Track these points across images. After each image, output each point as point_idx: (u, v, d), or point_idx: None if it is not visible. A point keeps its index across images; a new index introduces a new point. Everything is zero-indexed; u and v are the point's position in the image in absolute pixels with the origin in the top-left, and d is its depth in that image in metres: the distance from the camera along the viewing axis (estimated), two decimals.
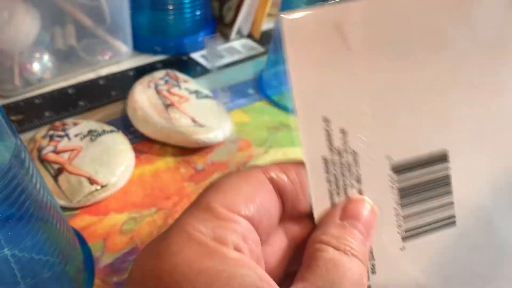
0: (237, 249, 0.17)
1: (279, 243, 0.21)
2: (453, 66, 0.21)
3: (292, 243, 0.21)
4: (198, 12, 0.58)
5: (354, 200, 0.20)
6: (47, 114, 0.46)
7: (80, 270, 0.30)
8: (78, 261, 0.30)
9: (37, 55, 0.48)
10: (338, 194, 0.21)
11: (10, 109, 0.46)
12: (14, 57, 0.48)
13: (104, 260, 0.32)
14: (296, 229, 0.21)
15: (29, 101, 0.47)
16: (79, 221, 0.35)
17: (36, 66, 0.48)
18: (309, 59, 0.20)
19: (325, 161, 0.20)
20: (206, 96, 0.45)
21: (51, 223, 0.27)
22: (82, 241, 0.33)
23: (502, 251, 0.23)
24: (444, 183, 0.22)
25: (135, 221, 0.35)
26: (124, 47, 0.55)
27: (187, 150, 0.42)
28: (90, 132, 0.39)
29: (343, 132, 0.20)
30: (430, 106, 0.21)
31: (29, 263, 0.25)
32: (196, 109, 0.42)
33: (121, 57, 0.55)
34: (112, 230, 0.34)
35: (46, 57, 0.49)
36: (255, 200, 0.19)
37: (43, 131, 0.40)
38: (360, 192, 0.21)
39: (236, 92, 0.51)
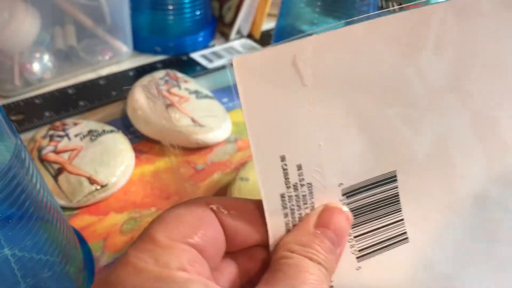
0: (183, 270, 0.18)
1: (230, 270, 0.21)
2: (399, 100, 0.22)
3: (244, 274, 0.22)
4: (198, 12, 0.58)
5: (329, 208, 0.21)
6: (47, 114, 0.46)
7: (80, 270, 0.30)
8: (78, 261, 0.30)
9: (37, 55, 0.49)
10: (293, 224, 0.21)
11: (10, 109, 0.46)
12: (14, 57, 0.48)
13: (104, 260, 0.32)
14: (247, 262, 0.22)
15: (29, 101, 0.48)
16: (79, 221, 0.35)
17: (36, 66, 0.48)
18: (263, 99, 0.20)
19: (282, 197, 0.21)
20: (206, 96, 0.45)
21: (51, 223, 0.27)
22: (82, 241, 0.33)
23: (458, 264, 0.24)
24: (392, 201, 0.22)
25: (135, 221, 0.35)
26: (124, 47, 0.55)
27: (187, 150, 0.42)
28: (90, 132, 0.39)
29: (299, 167, 0.21)
30: (379, 132, 0.21)
31: (29, 263, 0.25)
32: (196, 109, 0.42)
33: (121, 57, 0.55)
34: (112, 230, 0.35)
35: (46, 57, 0.49)
36: (199, 229, 0.19)
37: (43, 131, 0.40)
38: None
39: (236, 92, 0.51)
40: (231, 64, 0.19)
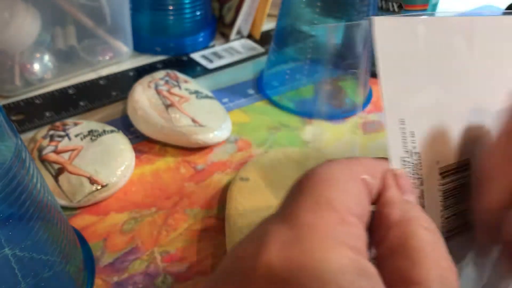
0: (355, 250, 0.17)
1: None
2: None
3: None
4: (198, 13, 0.58)
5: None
6: (47, 114, 0.46)
7: (80, 270, 0.30)
8: (78, 261, 0.30)
9: (38, 55, 0.49)
10: None
11: (10, 109, 0.46)
12: (15, 57, 0.48)
13: (104, 259, 0.32)
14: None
15: (30, 101, 0.48)
16: (80, 221, 0.35)
17: (36, 66, 0.48)
18: (394, 57, 0.22)
19: (403, 161, 0.22)
20: (206, 96, 0.45)
21: (51, 223, 0.27)
22: (83, 241, 0.33)
23: None
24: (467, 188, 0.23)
25: (136, 221, 0.35)
26: (125, 47, 0.55)
27: (187, 150, 0.42)
28: (90, 132, 0.39)
29: (412, 134, 0.22)
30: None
31: (29, 263, 0.25)
32: (196, 109, 0.42)
33: (121, 58, 0.55)
34: (112, 230, 0.35)
35: (46, 57, 0.49)
36: (362, 203, 0.19)
37: (43, 131, 0.40)
38: (421, 193, 0.22)
39: (236, 92, 0.51)
40: (369, 23, 0.21)
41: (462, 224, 0.23)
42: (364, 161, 0.20)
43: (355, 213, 0.18)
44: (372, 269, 0.17)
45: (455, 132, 0.23)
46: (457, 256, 0.22)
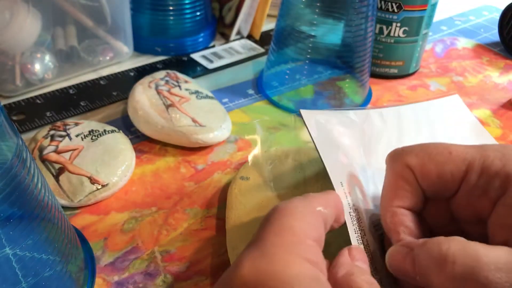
0: (310, 262, 0.22)
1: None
2: None
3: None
4: (198, 13, 0.58)
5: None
6: (48, 114, 0.46)
7: (81, 269, 0.30)
8: (79, 260, 0.30)
9: (38, 55, 0.49)
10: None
11: (11, 109, 0.46)
12: (16, 58, 0.48)
13: (105, 259, 0.33)
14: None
15: (31, 101, 0.48)
16: (80, 220, 0.35)
17: (37, 67, 0.49)
18: (326, 142, 0.33)
19: (350, 215, 0.28)
20: (207, 96, 0.45)
21: (52, 223, 0.27)
22: (83, 240, 0.33)
23: None
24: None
25: (136, 220, 0.36)
26: (125, 47, 0.55)
27: (187, 150, 0.42)
28: (91, 132, 0.40)
29: (349, 194, 0.29)
30: None
31: (30, 262, 0.25)
32: (196, 109, 0.42)
33: (122, 58, 0.55)
34: (113, 229, 0.35)
35: (47, 58, 0.49)
36: (318, 230, 0.24)
37: (44, 131, 0.40)
38: (367, 242, 0.28)
39: (236, 92, 0.51)
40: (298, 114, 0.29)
41: None
42: (318, 196, 0.25)
43: (312, 237, 0.22)
44: (324, 278, 0.21)
45: (374, 188, 0.31)
46: None
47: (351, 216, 0.28)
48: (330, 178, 0.29)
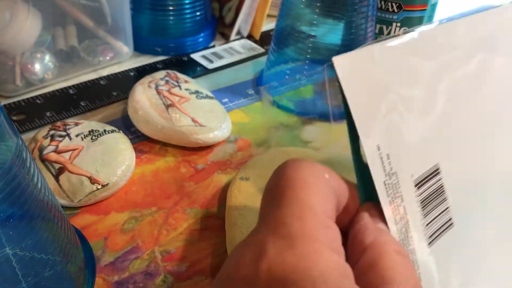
0: (337, 253, 0.19)
1: None
2: None
3: None
4: (198, 13, 0.58)
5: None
6: (48, 114, 0.46)
7: (81, 269, 0.30)
8: (79, 260, 0.30)
9: (39, 55, 0.49)
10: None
11: (11, 109, 0.46)
12: (16, 58, 0.48)
13: (105, 259, 0.33)
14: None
15: (31, 101, 0.48)
16: (80, 220, 0.35)
17: (37, 67, 0.49)
18: (361, 90, 0.22)
19: (385, 184, 0.23)
20: (207, 96, 0.45)
21: (52, 222, 0.27)
22: (83, 240, 0.33)
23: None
24: (440, 192, 0.25)
25: (136, 220, 0.36)
26: (125, 47, 0.55)
27: (187, 150, 0.42)
28: (91, 132, 0.40)
29: (387, 157, 0.23)
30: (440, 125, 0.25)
31: (30, 262, 0.25)
32: (196, 110, 0.42)
33: (122, 58, 0.55)
34: (113, 229, 0.35)
35: (47, 58, 0.49)
36: (332, 202, 0.20)
37: (44, 131, 0.40)
38: (404, 209, 0.23)
39: (236, 92, 0.51)
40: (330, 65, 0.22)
41: (444, 223, 0.25)
42: (321, 167, 0.21)
43: (330, 215, 0.20)
44: (350, 270, 0.19)
45: (420, 142, 0.24)
46: None
47: (387, 186, 0.23)
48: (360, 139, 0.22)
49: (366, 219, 0.22)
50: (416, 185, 0.24)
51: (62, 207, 0.34)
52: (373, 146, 0.22)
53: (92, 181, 0.36)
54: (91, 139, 0.39)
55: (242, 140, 0.44)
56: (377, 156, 0.23)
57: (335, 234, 0.20)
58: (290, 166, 0.20)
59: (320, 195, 0.20)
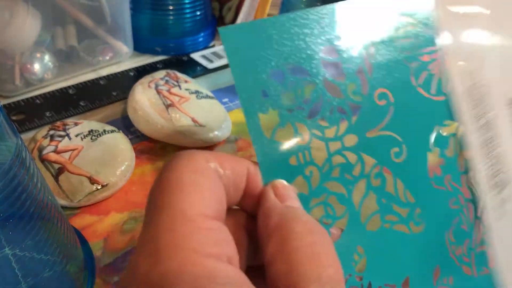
0: (229, 262, 0.17)
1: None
2: None
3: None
4: (198, 13, 0.58)
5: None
6: (48, 114, 0.46)
7: (80, 270, 0.30)
8: (78, 261, 0.30)
9: (38, 55, 0.49)
10: None
11: (11, 109, 0.46)
12: (15, 57, 0.48)
13: (104, 259, 0.32)
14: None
15: (30, 101, 0.48)
16: (80, 221, 0.35)
17: (37, 66, 0.48)
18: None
19: (469, 93, 0.25)
20: (207, 96, 0.45)
21: (52, 223, 0.27)
22: (83, 241, 0.33)
23: None
24: None
25: (136, 220, 0.35)
26: (125, 47, 0.55)
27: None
28: (90, 132, 0.39)
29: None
30: None
31: (30, 263, 0.25)
32: (196, 109, 0.42)
33: (121, 58, 0.55)
34: (112, 230, 0.35)
35: (47, 57, 0.49)
36: (217, 197, 0.18)
37: (44, 131, 0.40)
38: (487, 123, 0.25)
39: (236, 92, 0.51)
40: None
41: None
42: (204, 154, 0.19)
43: (211, 215, 0.17)
44: (232, 272, 0.17)
45: None
46: None
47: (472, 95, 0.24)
48: None
49: (271, 200, 0.20)
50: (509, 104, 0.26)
51: (62, 207, 0.34)
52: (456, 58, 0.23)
53: (92, 181, 0.36)
54: (91, 139, 0.39)
55: (242, 140, 0.44)
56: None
57: (216, 236, 0.17)
58: (168, 166, 0.19)
59: (198, 193, 0.18)
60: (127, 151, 0.39)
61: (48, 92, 0.49)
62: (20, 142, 0.24)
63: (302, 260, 0.17)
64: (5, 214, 0.23)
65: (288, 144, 0.21)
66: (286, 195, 0.20)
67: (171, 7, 0.56)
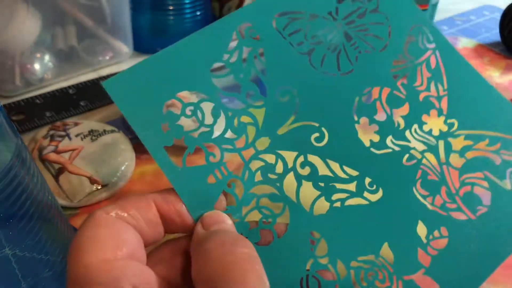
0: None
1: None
2: None
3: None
4: (198, 13, 0.58)
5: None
6: (48, 114, 0.46)
7: None
8: None
9: (38, 55, 0.49)
10: None
11: (11, 109, 0.46)
12: (15, 57, 0.48)
13: None
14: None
15: (30, 101, 0.48)
16: (80, 221, 0.35)
17: (37, 66, 0.48)
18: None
19: None
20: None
21: (52, 223, 0.27)
22: None
23: None
24: None
25: None
26: (125, 47, 0.55)
27: None
28: (91, 132, 0.39)
29: None
30: None
31: (30, 263, 0.25)
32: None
33: (121, 58, 0.55)
34: None
35: (47, 57, 0.49)
36: (120, 239, 0.19)
37: (44, 131, 0.40)
38: None
39: None
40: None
41: None
42: (104, 208, 0.21)
43: (111, 257, 0.18)
44: None
45: None
46: None
47: None
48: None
49: (197, 233, 0.21)
50: None
51: (62, 207, 0.34)
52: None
53: (92, 181, 0.36)
54: (91, 139, 0.39)
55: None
56: None
57: (117, 271, 0.18)
58: (79, 227, 0.20)
59: (95, 243, 0.19)
60: (127, 151, 0.39)
61: (48, 92, 0.49)
62: (20, 142, 0.24)
63: (213, 277, 0.18)
64: (5, 214, 0.23)
65: (201, 166, 0.22)
66: (212, 222, 0.21)
67: (171, 7, 0.56)
